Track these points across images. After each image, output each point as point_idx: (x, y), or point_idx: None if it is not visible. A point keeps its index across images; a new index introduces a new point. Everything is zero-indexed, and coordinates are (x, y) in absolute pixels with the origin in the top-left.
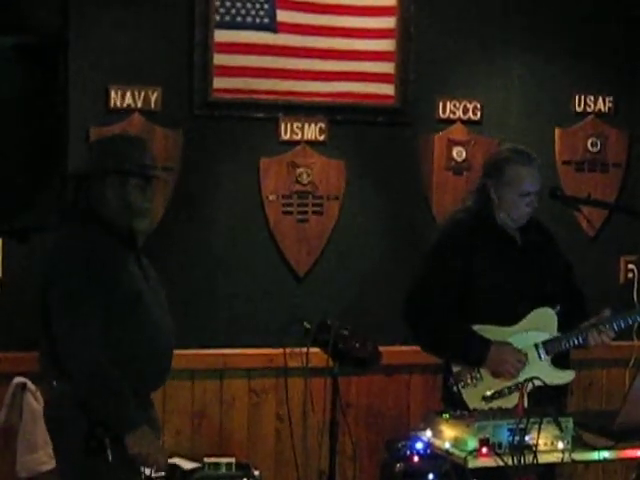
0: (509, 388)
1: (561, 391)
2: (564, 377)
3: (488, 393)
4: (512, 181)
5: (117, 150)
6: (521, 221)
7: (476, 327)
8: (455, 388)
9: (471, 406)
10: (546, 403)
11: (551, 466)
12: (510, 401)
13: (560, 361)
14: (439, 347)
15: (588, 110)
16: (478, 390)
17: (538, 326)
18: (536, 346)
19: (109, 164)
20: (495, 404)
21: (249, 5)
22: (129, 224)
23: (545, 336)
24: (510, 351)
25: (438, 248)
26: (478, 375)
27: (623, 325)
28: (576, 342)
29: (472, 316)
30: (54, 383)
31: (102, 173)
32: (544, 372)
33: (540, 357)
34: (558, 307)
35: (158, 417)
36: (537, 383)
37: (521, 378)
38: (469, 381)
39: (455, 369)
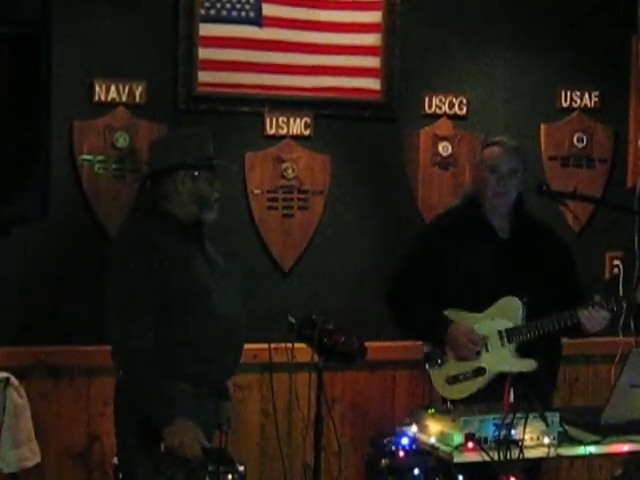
0: (471, 372)
1: (548, 386)
2: (524, 366)
3: (451, 375)
4: (485, 159)
5: (183, 145)
6: (494, 202)
7: (447, 312)
8: (427, 366)
9: (436, 386)
10: (533, 397)
11: (537, 463)
12: (472, 385)
13: (525, 350)
14: (409, 325)
15: (574, 106)
16: (443, 371)
17: (504, 314)
18: (500, 333)
19: (177, 160)
20: (458, 386)
21: None
22: (198, 216)
23: (509, 324)
24: (464, 332)
25: (419, 233)
26: (444, 357)
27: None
28: (550, 328)
29: (447, 301)
30: (120, 372)
31: (170, 170)
32: (504, 359)
33: (502, 344)
34: (525, 298)
35: (227, 407)
36: (488, 375)
37: (482, 363)
38: (437, 362)
39: (426, 350)
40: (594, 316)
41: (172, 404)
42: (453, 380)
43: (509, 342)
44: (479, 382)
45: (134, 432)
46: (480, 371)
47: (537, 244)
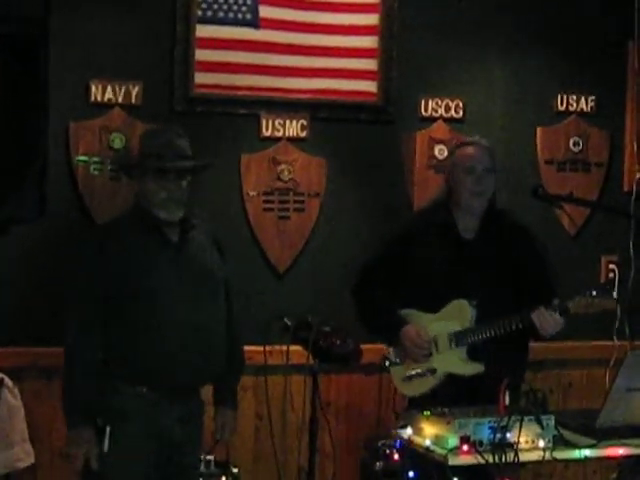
0: (423, 372)
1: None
2: (471, 369)
3: (405, 374)
4: (459, 160)
5: (139, 145)
6: (472, 203)
7: (404, 311)
8: (387, 363)
9: (395, 383)
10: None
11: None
12: (425, 384)
13: (477, 353)
14: (368, 324)
15: (570, 109)
16: (401, 369)
17: (455, 316)
18: (449, 336)
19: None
20: (413, 384)
21: (231, 0)
22: (154, 215)
23: (459, 327)
24: (411, 337)
25: (387, 235)
26: (402, 356)
27: (566, 307)
28: (499, 330)
29: (408, 302)
30: None
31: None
32: (453, 361)
33: (451, 347)
34: (475, 301)
35: (225, 415)
36: (439, 375)
37: (434, 363)
38: (396, 360)
39: (389, 347)
40: (547, 318)
41: (76, 409)
42: (408, 378)
43: (457, 345)
44: (431, 382)
45: None
46: (431, 371)
47: (505, 244)
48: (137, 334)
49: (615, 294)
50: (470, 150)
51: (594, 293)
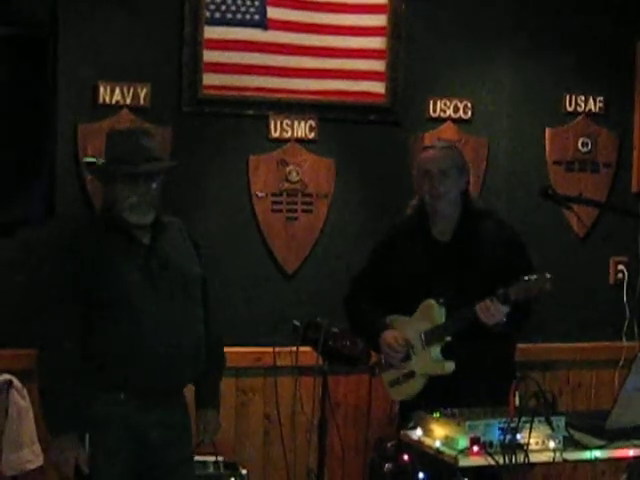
0: (403, 375)
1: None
2: (441, 368)
3: (392, 378)
4: (418, 164)
5: (106, 148)
6: (437, 205)
7: (389, 317)
8: (377, 370)
9: (386, 389)
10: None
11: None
12: (409, 388)
13: (449, 352)
14: (357, 331)
15: (579, 110)
16: (388, 374)
17: (426, 317)
18: (420, 336)
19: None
20: (399, 389)
21: (239, 2)
22: (124, 219)
23: (430, 326)
24: (386, 341)
25: (374, 244)
26: (387, 362)
27: (506, 295)
28: (457, 325)
29: (392, 309)
30: None
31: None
32: (426, 362)
33: (423, 347)
34: (442, 300)
35: (206, 416)
36: (418, 377)
37: (412, 366)
38: (382, 366)
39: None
40: (488, 308)
41: (60, 415)
42: (394, 383)
43: (428, 344)
44: (414, 385)
45: None
46: (411, 374)
47: (481, 242)
48: (110, 340)
49: (548, 274)
50: (427, 153)
51: (532, 278)
